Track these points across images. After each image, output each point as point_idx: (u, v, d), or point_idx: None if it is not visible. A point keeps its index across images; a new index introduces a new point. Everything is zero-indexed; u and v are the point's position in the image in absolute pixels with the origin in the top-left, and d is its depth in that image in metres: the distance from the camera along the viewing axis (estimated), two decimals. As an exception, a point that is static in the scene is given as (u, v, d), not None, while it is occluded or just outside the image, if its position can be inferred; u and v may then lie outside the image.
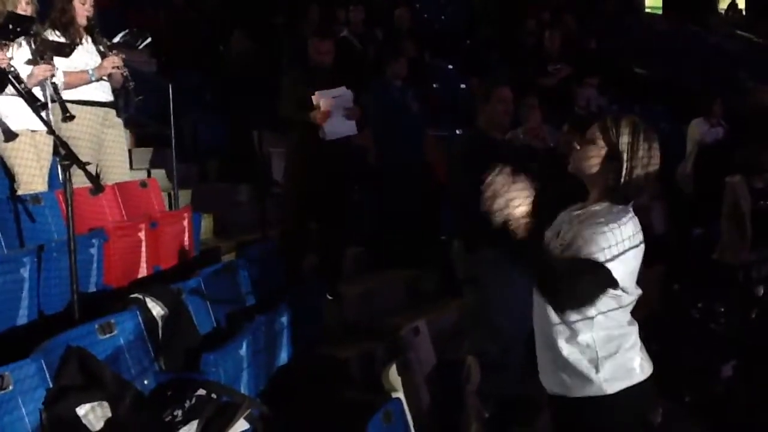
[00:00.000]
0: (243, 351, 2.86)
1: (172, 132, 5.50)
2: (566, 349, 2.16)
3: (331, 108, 4.86)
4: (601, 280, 2.06)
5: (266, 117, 5.80)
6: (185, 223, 4.37)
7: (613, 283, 2.08)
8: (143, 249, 3.93)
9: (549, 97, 6.47)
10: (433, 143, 6.67)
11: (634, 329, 2.22)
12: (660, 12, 15.87)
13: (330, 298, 4.68)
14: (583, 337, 2.14)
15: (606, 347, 2.14)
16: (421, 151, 6.24)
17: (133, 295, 2.95)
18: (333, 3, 8.49)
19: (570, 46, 8.36)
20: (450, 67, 9.02)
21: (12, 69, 3.86)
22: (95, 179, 3.04)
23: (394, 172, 5.84)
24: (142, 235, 3.93)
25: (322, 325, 4.19)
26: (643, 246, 2.16)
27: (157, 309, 2.89)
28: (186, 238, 4.34)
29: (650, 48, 11.53)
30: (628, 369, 2.17)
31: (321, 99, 4.86)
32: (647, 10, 15.97)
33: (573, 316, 2.12)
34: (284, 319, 3.29)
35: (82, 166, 2.97)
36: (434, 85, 8.31)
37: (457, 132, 6.76)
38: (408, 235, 5.60)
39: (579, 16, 10.43)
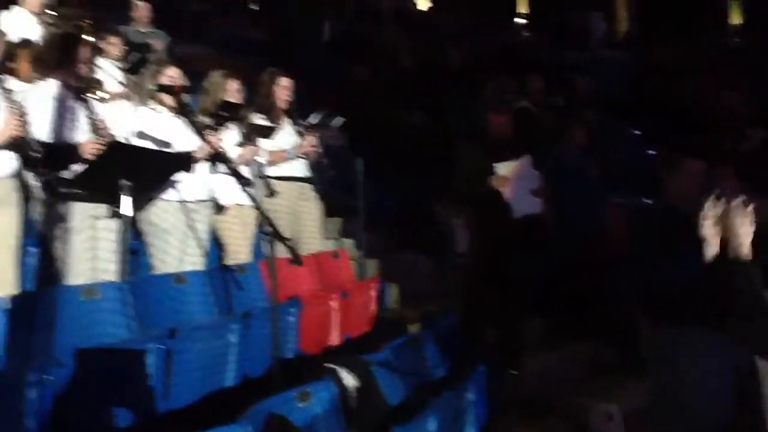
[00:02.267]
0: (430, 426, 2.88)
1: (361, 204, 5.78)
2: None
3: (517, 184, 4.88)
4: None
5: (446, 189, 5.92)
6: (373, 293, 4.54)
7: None
8: (335, 318, 4.11)
9: (746, 165, 6.05)
10: (615, 212, 6.45)
11: None
12: None
13: (514, 373, 4.60)
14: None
15: None
16: (600, 219, 6.06)
17: (327, 365, 3.10)
18: (510, 73, 8.60)
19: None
20: (636, 132, 8.74)
21: (223, 150, 4.29)
22: (296, 253, 3.26)
23: (571, 241, 5.71)
24: (334, 304, 4.13)
25: (503, 400, 4.12)
26: None
27: (349, 380, 3.01)
28: (374, 307, 4.49)
29: None
30: None
31: (505, 173, 4.90)
32: None
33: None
34: (470, 396, 3.29)
35: (284, 241, 3.20)
36: (618, 152, 8.08)
37: (644, 201, 6.50)
38: (585, 306, 5.41)
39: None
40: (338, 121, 5.61)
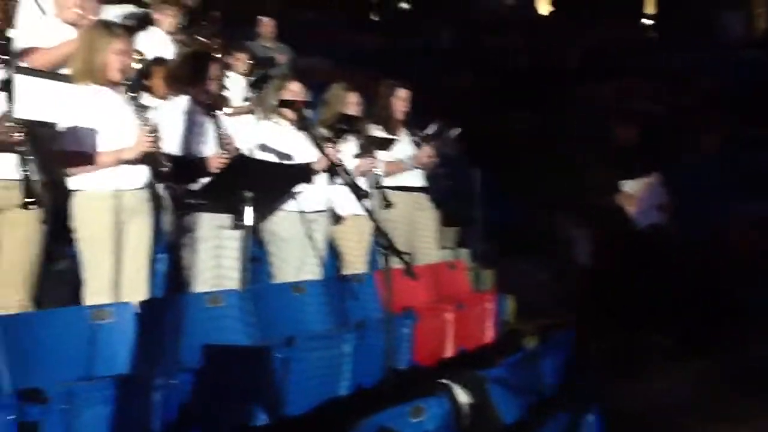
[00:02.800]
0: (546, 447, 2.79)
1: (478, 213, 5.73)
2: None
3: (643, 200, 4.69)
4: None
5: (566, 198, 5.76)
6: (490, 305, 4.48)
7: None
8: (450, 330, 4.08)
9: None
10: (742, 219, 6.04)
11: None
12: None
13: (629, 392, 4.39)
14: None
15: None
16: (726, 227, 5.69)
17: (441, 380, 3.07)
18: (631, 75, 8.25)
19: None
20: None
21: (341, 162, 4.37)
22: (410, 267, 3.26)
23: (696, 252, 5.40)
24: (449, 316, 4.10)
25: (622, 421, 3.94)
26: None
27: (463, 396, 2.97)
28: (490, 319, 4.43)
29: None
30: None
31: (631, 190, 4.72)
32: None
33: None
34: (589, 417, 3.16)
35: (399, 254, 3.21)
36: (752, 158, 7.56)
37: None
38: (705, 317, 5.10)
39: None
40: (455, 130, 5.58)
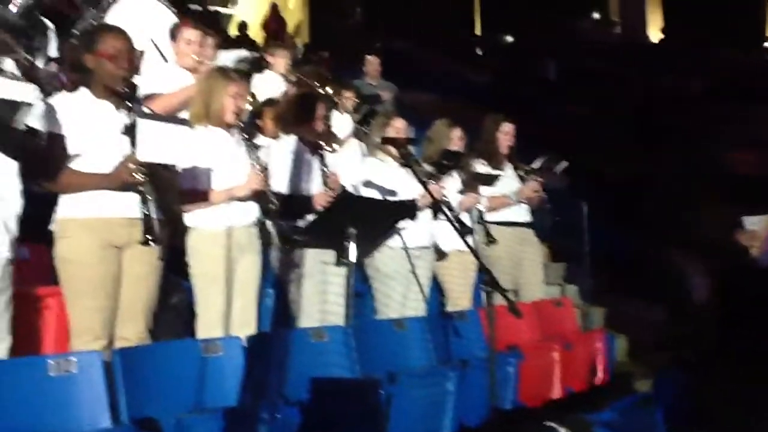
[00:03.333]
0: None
1: (586, 249, 5.57)
2: None
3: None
4: None
5: (681, 233, 5.51)
6: (599, 344, 4.33)
7: None
8: (557, 370, 3.97)
9: None
10: None
11: None
12: None
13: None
14: None
15: None
16: None
17: (546, 423, 2.99)
18: (754, 102, 7.84)
19: None
20: None
21: (445, 198, 4.37)
22: (514, 305, 3.21)
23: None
24: (556, 355, 3.99)
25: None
26: None
27: (569, 440, 2.87)
28: (599, 360, 4.27)
29: None
30: None
31: (754, 228, 4.45)
32: None
33: None
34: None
35: (503, 292, 3.16)
36: None
37: None
38: None
39: None
40: (562, 164, 5.47)
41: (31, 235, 2.94)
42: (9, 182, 2.76)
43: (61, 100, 3.02)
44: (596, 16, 15.64)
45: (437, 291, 4.63)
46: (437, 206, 4.18)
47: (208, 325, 3.30)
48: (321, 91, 5.52)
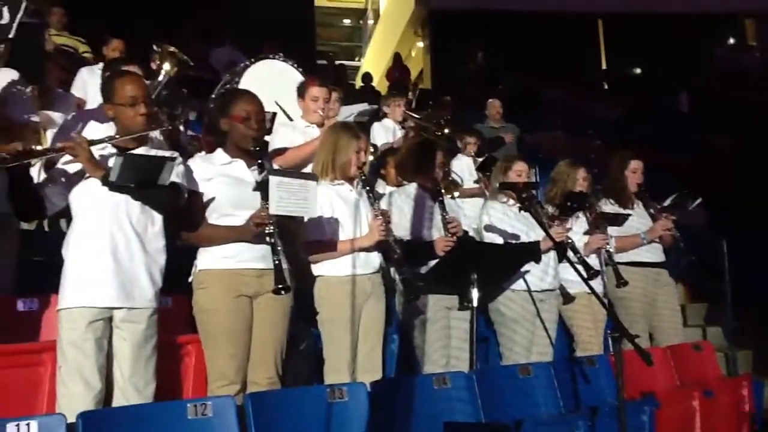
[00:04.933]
0: None
1: (727, 288, 5.26)
2: None
3: None
4: None
5: None
6: (744, 391, 4.04)
7: None
8: (697, 419, 3.75)
9: None
10: None
11: None
12: None
13: None
14: None
15: None
16: None
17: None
18: None
19: None
20: None
21: (570, 240, 4.29)
22: (644, 352, 3.08)
23: None
24: (696, 403, 3.77)
25: None
26: None
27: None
28: (745, 409, 3.99)
29: None
30: None
31: None
32: None
33: None
34: None
35: (631, 338, 3.05)
36: None
37: None
38: None
39: None
40: (696, 200, 5.22)
41: (172, 286, 3.17)
42: (156, 237, 3.01)
43: (199, 160, 3.27)
44: (731, 41, 14.90)
45: (565, 335, 4.51)
46: (562, 247, 4.10)
47: (334, 371, 3.40)
48: (439, 136, 5.63)
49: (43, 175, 3.11)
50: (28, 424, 2.20)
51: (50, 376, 2.90)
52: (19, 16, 3.26)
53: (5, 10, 3.25)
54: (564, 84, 12.14)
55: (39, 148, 3.01)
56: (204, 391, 3.10)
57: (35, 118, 3.46)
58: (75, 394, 2.77)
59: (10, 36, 3.24)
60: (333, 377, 3.38)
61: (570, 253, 4.12)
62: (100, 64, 5.47)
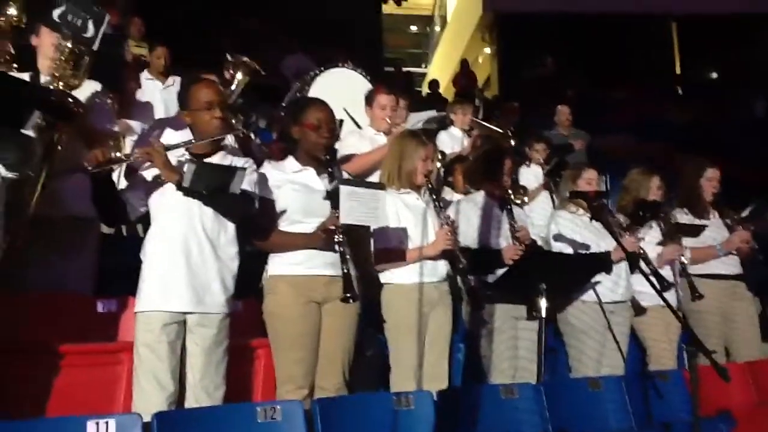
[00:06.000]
0: None
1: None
2: None
3: None
4: None
5: None
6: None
7: None
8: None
9: None
10: None
11: None
12: None
13: None
14: None
15: None
16: None
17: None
18: None
19: None
20: None
21: (642, 251, 4.18)
22: (720, 368, 2.97)
23: None
24: (778, 422, 3.62)
25: None
26: None
27: None
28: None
29: None
30: None
31: None
32: None
33: None
34: None
35: (707, 353, 2.96)
36: None
37: None
38: None
39: None
40: (773, 211, 5.02)
41: (243, 290, 3.24)
42: (228, 244, 3.09)
43: (270, 168, 3.33)
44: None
45: (637, 348, 4.40)
46: (634, 258, 4.01)
47: (401, 378, 3.41)
48: (506, 144, 5.58)
49: (124, 182, 3.24)
50: (106, 423, 2.29)
51: (127, 375, 2.99)
52: (102, 28, 3.39)
53: (90, 23, 3.38)
54: (635, 88, 11.86)
55: (119, 155, 3.13)
56: (273, 395, 3.16)
57: (116, 127, 3.59)
58: (149, 395, 2.86)
59: (94, 48, 3.37)
60: (399, 385, 3.39)
61: (642, 264, 4.03)
62: (146, 73, 5.74)
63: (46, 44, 3.36)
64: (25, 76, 3.31)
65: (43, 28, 3.39)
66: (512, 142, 5.94)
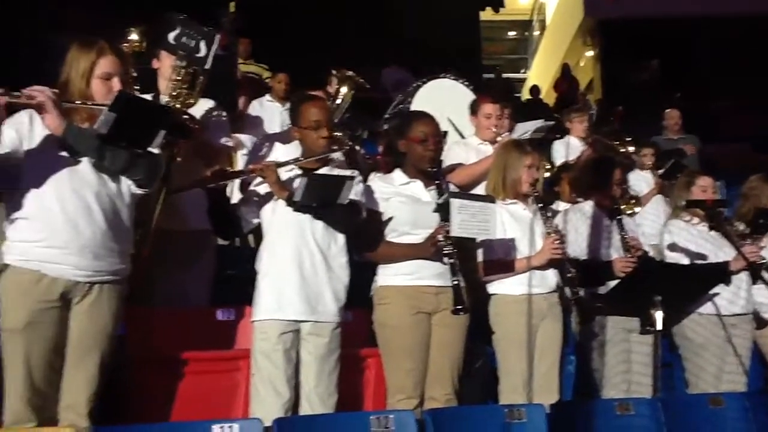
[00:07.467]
0: None
1: None
2: None
3: None
4: None
5: None
6: None
7: None
8: None
9: None
10: None
11: None
12: None
13: None
14: None
15: None
16: None
17: None
18: None
19: None
20: None
21: (764, 261, 3.96)
22: None
23: None
24: None
25: None
26: None
27: None
28: None
29: None
30: None
31: None
32: None
33: None
34: None
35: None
36: None
37: None
38: None
39: None
40: None
41: (353, 300, 3.30)
42: (339, 254, 3.16)
43: (378, 180, 3.38)
44: None
45: (759, 363, 4.17)
46: (754, 270, 3.81)
47: (509, 390, 3.38)
48: (621, 152, 5.43)
49: (238, 195, 3.37)
50: (231, 427, 2.38)
51: (245, 381, 3.11)
52: (213, 48, 3.55)
53: (202, 43, 3.55)
54: (744, 93, 11.28)
55: (233, 170, 3.26)
56: (383, 404, 3.19)
57: (230, 143, 3.74)
58: (266, 401, 2.97)
59: (207, 67, 3.53)
60: (508, 397, 3.36)
61: (765, 275, 3.82)
62: (267, 96, 6.00)
63: (166, 66, 3.54)
64: (148, 98, 3.51)
65: (162, 51, 3.58)
66: (630, 149, 5.79)
